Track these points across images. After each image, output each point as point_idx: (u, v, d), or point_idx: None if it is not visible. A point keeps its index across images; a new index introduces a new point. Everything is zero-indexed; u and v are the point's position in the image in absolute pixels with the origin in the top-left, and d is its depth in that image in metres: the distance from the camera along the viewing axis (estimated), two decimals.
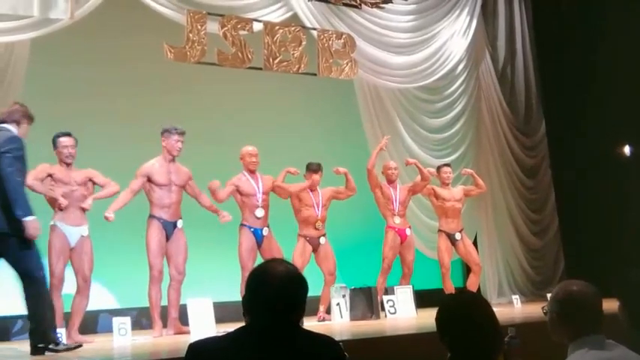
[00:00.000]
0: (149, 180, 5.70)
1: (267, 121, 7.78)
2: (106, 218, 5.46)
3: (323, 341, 1.97)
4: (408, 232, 7.05)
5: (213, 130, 7.34)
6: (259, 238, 6.08)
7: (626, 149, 8.72)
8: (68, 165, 5.48)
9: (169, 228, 5.70)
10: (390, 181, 7.15)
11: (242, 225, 6.10)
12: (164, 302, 5.70)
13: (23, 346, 5.18)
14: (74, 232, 5.39)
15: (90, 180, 5.58)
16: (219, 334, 1.95)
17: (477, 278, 7.30)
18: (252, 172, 6.17)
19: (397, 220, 7.00)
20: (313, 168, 6.59)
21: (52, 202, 5.42)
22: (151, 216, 5.70)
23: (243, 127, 7.46)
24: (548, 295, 7.65)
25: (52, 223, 5.39)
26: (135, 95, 7.19)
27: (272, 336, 1.88)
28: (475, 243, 8.90)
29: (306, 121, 8.27)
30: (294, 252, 6.43)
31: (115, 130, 6.58)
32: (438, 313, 2.13)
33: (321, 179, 6.61)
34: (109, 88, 7.07)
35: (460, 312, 2.08)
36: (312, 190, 6.59)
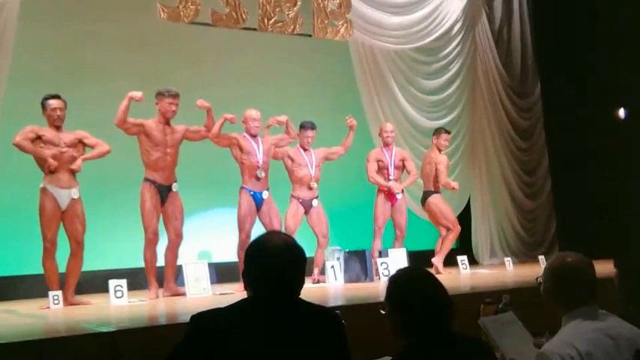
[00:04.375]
0: (145, 134, 5.65)
1: (260, 84, 7.72)
2: None
3: (324, 315, 2.01)
4: (398, 195, 7.07)
5: (207, 94, 7.28)
6: (259, 202, 6.08)
7: (621, 112, 8.73)
8: (57, 128, 5.44)
9: (164, 191, 5.70)
10: (386, 144, 7.14)
11: (242, 188, 6.08)
12: (159, 263, 5.74)
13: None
14: (65, 194, 5.38)
15: (80, 141, 5.53)
16: (221, 307, 1.97)
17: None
18: (253, 135, 6.16)
19: (394, 185, 7.00)
20: (307, 125, 6.58)
21: (42, 165, 5.38)
22: (145, 179, 5.69)
23: (237, 90, 7.41)
24: (540, 257, 7.80)
25: (41, 186, 5.36)
26: (128, 53, 7.10)
27: (274, 309, 1.91)
28: (468, 204, 8.99)
29: (301, 84, 8.21)
30: (286, 213, 6.44)
31: (107, 88, 6.51)
32: (385, 296, 2.12)
33: (313, 138, 6.60)
34: (100, 46, 6.98)
35: (400, 292, 2.06)
36: (304, 150, 6.59)
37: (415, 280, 2.10)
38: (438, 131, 7.45)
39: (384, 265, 6.58)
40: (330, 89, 8.41)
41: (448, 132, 7.47)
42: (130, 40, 7.14)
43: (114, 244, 6.75)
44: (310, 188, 6.54)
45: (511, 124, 9.34)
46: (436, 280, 2.10)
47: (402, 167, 7.20)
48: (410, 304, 2.02)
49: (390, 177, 7.06)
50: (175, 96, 5.74)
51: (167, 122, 5.75)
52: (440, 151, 7.35)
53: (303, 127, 6.59)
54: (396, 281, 2.12)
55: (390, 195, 7.05)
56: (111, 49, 7.02)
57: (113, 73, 6.91)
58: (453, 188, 7.24)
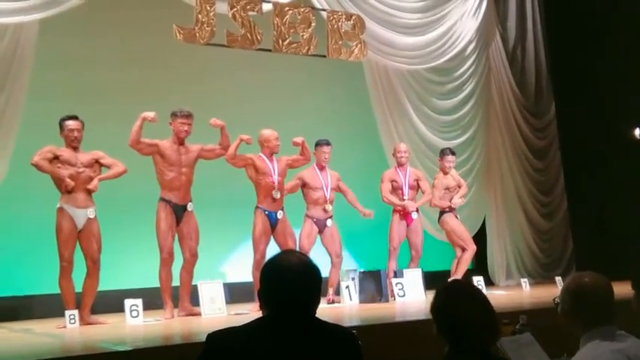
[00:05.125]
0: (160, 154, 5.69)
1: (274, 105, 7.78)
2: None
3: (340, 334, 2.00)
4: (414, 215, 7.06)
5: (221, 112, 7.35)
6: (274, 222, 6.10)
7: (637, 132, 8.67)
8: (75, 148, 5.50)
9: (179, 211, 5.73)
10: (400, 165, 7.15)
11: (257, 208, 6.11)
12: (175, 283, 5.76)
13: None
14: (81, 214, 5.42)
15: (96, 161, 5.59)
16: (237, 326, 1.97)
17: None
18: (269, 155, 6.19)
19: (409, 205, 6.99)
20: (322, 142, 6.62)
21: (59, 185, 5.43)
22: (161, 199, 5.73)
23: (251, 111, 7.47)
24: (557, 278, 7.71)
25: (58, 206, 5.41)
26: (144, 70, 7.18)
27: (290, 329, 1.90)
28: (484, 225, 8.94)
29: (315, 104, 8.26)
30: (300, 233, 6.46)
31: (125, 108, 6.58)
32: (431, 305, 2.14)
33: (330, 154, 6.62)
34: (116, 64, 7.06)
35: (450, 302, 2.08)
36: (321, 169, 6.61)
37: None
38: (442, 152, 7.45)
39: (399, 286, 6.56)
40: (345, 110, 8.44)
41: (453, 153, 7.46)
42: (145, 57, 7.23)
43: (129, 264, 6.78)
44: (325, 211, 6.56)
45: (526, 143, 9.30)
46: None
47: (416, 187, 7.20)
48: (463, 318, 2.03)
49: (405, 197, 7.06)
50: (188, 116, 5.78)
51: (181, 142, 5.80)
52: (445, 173, 7.33)
53: (318, 144, 6.62)
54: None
55: (405, 215, 7.04)
56: (126, 67, 7.10)
57: (129, 91, 6.99)
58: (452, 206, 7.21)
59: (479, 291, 2.14)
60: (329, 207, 6.58)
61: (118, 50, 7.11)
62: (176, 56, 7.28)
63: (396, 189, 7.07)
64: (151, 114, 5.59)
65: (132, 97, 6.85)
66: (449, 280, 6.85)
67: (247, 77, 7.83)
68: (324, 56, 7.36)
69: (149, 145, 5.66)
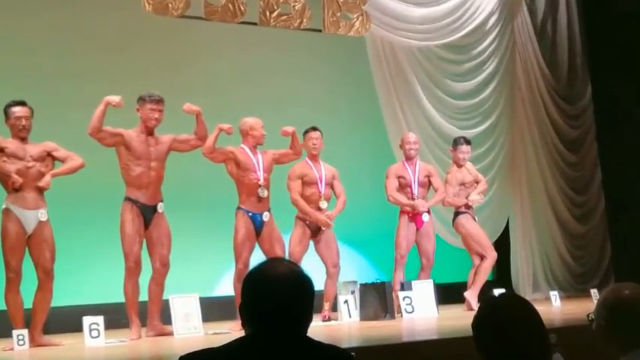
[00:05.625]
0: (124, 146, 5.68)
1: (258, 91, 7.77)
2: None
3: (337, 357, 2.00)
4: (425, 217, 7.07)
5: (197, 101, 7.38)
6: (258, 225, 6.09)
7: None
8: (22, 139, 5.46)
9: (147, 213, 5.72)
10: (409, 158, 7.15)
11: (239, 209, 6.10)
12: (143, 297, 5.76)
13: None
14: (31, 216, 5.39)
15: (49, 154, 5.54)
16: (215, 347, 1.96)
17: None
18: (254, 147, 6.19)
19: (420, 204, 7.00)
20: (309, 128, 6.61)
21: (5, 182, 5.40)
22: (126, 198, 5.71)
23: (232, 98, 7.47)
24: (592, 291, 7.73)
25: (4, 206, 5.39)
26: (109, 52, 7.16)
27: (277, 350, 1.90)
28: (507, 228, 8.96)
29: (308, 88, 8.26)
30: (291, 238, 6.47)
31: (84, 92, 6.57)
32: (473, 320, 2.16)
33: (320, 141, 6.61)
34: (74, 44, 7.05)
35: (498, 318, 2.10)
36: (313, 160, 6.61)
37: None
38: (455, 141, 7.44)
39: (407, 300, 6.57)
40: (343, 95, 8.45)
41: (468, 142, 7.45)
42: (109, 37, 7.21)
43: (89, 275, 6.76)
44: (319, 209, 6.54)
45: (557, 133, 9.33)
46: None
47: (427, 184, 7.19)
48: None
49: (414, 196, 7.06)
50: (159, 101, 5.76)
51: (150, 132, 5.78)
52: (459, 166, 7.33)
53: (305, 132, 6.63)
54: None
55: (414, 217, 7.04)
56: (87, 48, 7.08)
57: (91, 75, 6.96)
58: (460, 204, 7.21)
59: (532, 307, 2.15)
60: (324, 204, 6.57)
61: (73, 27, 7.08)
62: (144, 33, 7.27)
63: (403, 186, 7.07)
64: (115, 98, 5.57)
65: (92, 81, 6.82)
66: (467, 294, 6.97)
67: (229, 57, 7.82)
68: (320, 31, 7.36)
69: (112, 135, 5.65)
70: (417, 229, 7.08)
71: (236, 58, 7.87)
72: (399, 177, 7.08)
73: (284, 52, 8.09)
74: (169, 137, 5.88)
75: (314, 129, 6.64)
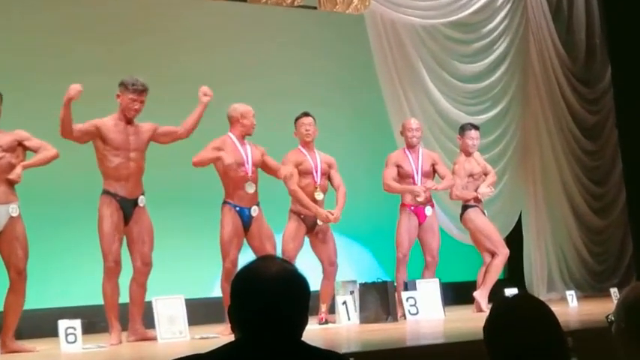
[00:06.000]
0: (101, 139, 5.67)
1: (250, 75, 7.78)
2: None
3: None
4: (428, 211, 7.06)
5: (191, 90, 7.39)
6: (246, 220, 6.09)
7: None
8: None
9: (127, 207, 5.71)
10: (410, 146, 7.14)
11: (225, 203, 6.10)
12: (123, 299, 5.76)
13: None
14: (1, 211, 5.37)
15: (20, 144, 5.52)
16: (202, 353, 1.97)
17: None
18: (242, 137, 6.18)
19: (421, 198, 6.99)
20: (301, 114, 6.59)
21: None
22: (104, 192, 5.70)
23: (220, 89, 7.45)
24: (612, 290, 7.75)
25: None
26: (81, 40, 7.19)
27: (269, 356, 1.91)
28: (519, 223, 8.97)
29: (302, 71, 8.25)
30: (284, 233, 6.47)
31: (54, 83, 6.56)
32: (485, 323, 2.16)
33: (313, 127, 6.59)
34: (47, 32, 7.07)
35: (512, 321, 2.10)
36: (307, 147, 6.60)
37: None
38: (462, 128, 7.41)
39: (411, 301, 6.58)
40: (340, 78, 8.45)
41: (476, 128, 7.41)
42: (93, 27, 7.26)
43: (64, 275, 6.77)
44: (315, 200, 6.53)
45: (574, 119, 9.35)
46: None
47: (432, 174, 7.16)
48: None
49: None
50: (142, 92, 5.72)
51: (129, 121, 5.78)
52: (468, 154, 7.33)
53: (296, 119, 6.61)
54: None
55: (417, 210, 7.04)
56: (72, 35, 7.12)
57: (75, 64, 6.99)
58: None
59: (548, 308, 2.16)
60: (320, 195, 6.54)
61: (62, 17, 7.13)
62: (134, 24, 7.33)
63: (404, 177, 7.02)
64: (74, 89, 5.49)
65: (64, 69, 6.86)
66: (476, 294, 6.98)
67: (222, 48, 7.83)
68: (315, 8, 7.34)
69: (86, 133, 5.63)
70: (420, 224, 7.06)
71: (229, 47, 7.89)
72: (398, 166, 7.05)
73: (275, 32, 8.09)
74: (150, 127, 5.87)
75: (305, 114, 6.63)
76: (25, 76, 6.87)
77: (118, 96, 5.76)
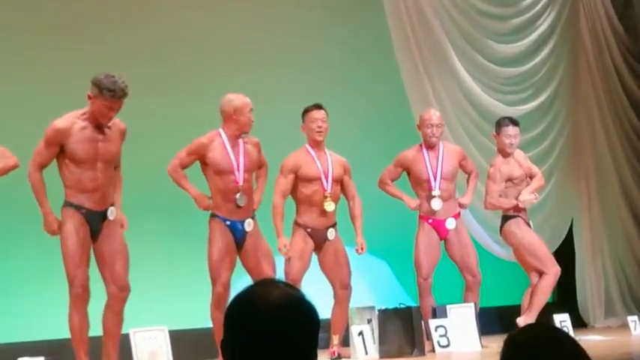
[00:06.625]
0: (62, 147, 5.67)
1: (255, 53, 7.84)
2: None
3: None
4: (449, 224, 7.02)
5: (169, 56, 7.38)
6: (239, 236, 6.10)
7: None
8: None
9: (95, 221, 5.69)
10: (429, 146, 7.04)
11: (213, 216, 6.11)
12: (95, 331, 5.74)
13: None
14: None
15: None
16: None
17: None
18: (236, 138, 6.17)
19: (436, 204, 6.98)
20: (312, 106, 6.61)
21: None
22: (67, 204, 5.69)
23: (221, 66, 7.55)
24: None
25: None
26: (51, 41, 7.26)
27: None
28: (570, 234, 8.94)
29: (313, 51, 8.27)
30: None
31: (19, 89, 6.62)
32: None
33: (326, 123, 6.60)
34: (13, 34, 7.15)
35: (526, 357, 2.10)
36: (316, 148, 6.60)
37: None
38: (499, 123, 7.32)
39: (441, 331, 6.55)
40: (354, 61, 8.44)
41: (515, 123, 7.31)
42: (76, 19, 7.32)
43: (25, 305, 6.79)
44: (324, 212, 6.53)
45: (634, 109, 9.33)
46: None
47: (455, 175, 7.08)
48: None
49: (433, 192, 6.97)
50: (119, 99, 5.69)
51: (99, 125, 5.75)
52: (506, 155, 7.27)
53: (307, 111, 6.60)
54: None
55: (435, 224, 6.99)
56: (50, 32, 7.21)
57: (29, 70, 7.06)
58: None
59: (570, 339, 2.13)
60: (331, 206, 6.54)
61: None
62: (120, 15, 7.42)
63: (419, 181, 6.99)
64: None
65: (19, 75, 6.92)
66: (520, 321, 6.95)
67: (203, 20, 7.83)
68: None
69: (52, 155, 5.65)
70: (443, 240, 7.03)
71: (215, 11, 7.93)
72: (410, 169, 7.01)
73: (277, 8, 8.15)
74: (121, 134, 5.84)
75: (318, 107, 6.62)
76: None
77: (90, 97, 5.71)
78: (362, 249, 6.70)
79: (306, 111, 6.65)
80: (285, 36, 8.20)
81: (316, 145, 6.63)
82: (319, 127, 6.60)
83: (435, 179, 6.99)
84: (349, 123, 7.76)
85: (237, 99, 6.21)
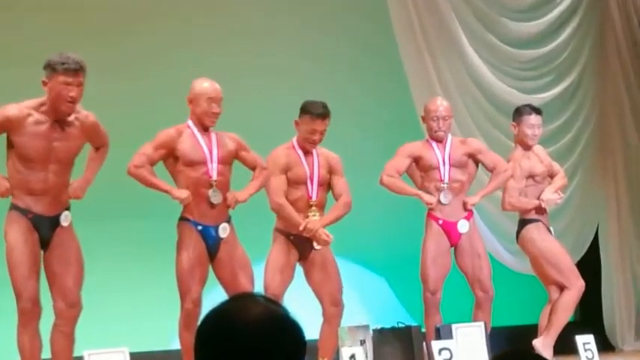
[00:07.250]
0: (8, 137, 5.69)
1: (242, 39, 7.95)
2: None
3: None
4: (462, 227, 7.03)
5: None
6: (212, 243, 6.12)
7: None
8: None
9: (45, 227, 5.72)
10: (438, 140, 7.04)
11: (182, 220, 6.14)
12: (47, 353, 5.78)
13: None
14: None
15: None
16: None
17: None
18: (205, 128, 6.22)
19: (445, 198, 6.97)
20: (316, 111, 6.62)
21: None
22: (13, 207, 5.71)
23: (204, 51, 7.66)
24: None
25: None
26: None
27: None
28: (595, 242, 8.98)
29: (310, 40, 8.37)
30: (267, 261, 6.51)
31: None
32: None
33: (325, 131, 6.62)
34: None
35: None
36: (305, 152, 6.63)
37: None
38: (519, 111, 7.33)
39: (446, 354, 6.58)
40: (342, 47, 8.49)
41: (538, 112, 7.33)
42: None
43: None
44: (308, 217, 6.55)
45: None
46: None
47: (465, 164, 7.04)
48: None
49: (443, 184, 7.01)
50: (77, 71, 5.71)
51: (60, 118, 5.76)
52: (527, 148, 7.29)
53: (306, 112, 6.58)
54: None
55: (446, 227, 7.00)
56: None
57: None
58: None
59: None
60: (315, 215, 6.57)
61: None
62: None
63: (426, 170, 6.96)
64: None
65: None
66: (538, 343, 6.98)
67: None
68: None
69: None
70: (454, 246, 7.05)
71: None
72: (417, 157, 7.00)
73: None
74: (91, 129, 5.87)
75: (323, 115, 6.55)
76: None
77: (45, 83, 5.71)
78: (327, 236, 6.52)
79: (306, 112, 6.62)
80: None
81: (305, 150, 6.64)
82: (314, 139, 6.57)
83: (444, 165, 6.97)
84: (344, 118, 7.79)
85: (196, 84, 6.22)
